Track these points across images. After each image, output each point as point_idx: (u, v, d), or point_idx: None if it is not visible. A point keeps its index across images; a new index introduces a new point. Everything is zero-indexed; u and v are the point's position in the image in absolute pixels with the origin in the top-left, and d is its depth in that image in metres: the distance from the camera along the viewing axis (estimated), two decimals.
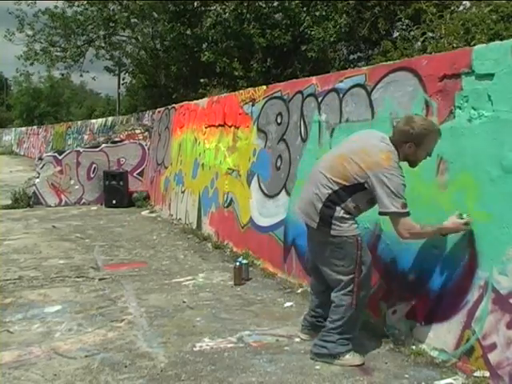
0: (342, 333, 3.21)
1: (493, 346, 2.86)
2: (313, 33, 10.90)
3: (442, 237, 3.21)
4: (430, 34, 7.75)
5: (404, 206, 3.03)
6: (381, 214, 3.11)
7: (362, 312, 3.34)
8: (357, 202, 3.15)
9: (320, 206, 3.17)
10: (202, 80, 12.33)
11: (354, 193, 3.13)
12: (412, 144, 3.10)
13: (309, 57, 11.62)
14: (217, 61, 12.11)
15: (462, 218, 3.09)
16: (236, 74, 11.83)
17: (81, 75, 17.78)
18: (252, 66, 12.18)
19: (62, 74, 18.39)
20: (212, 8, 13.36)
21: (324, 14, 11.43)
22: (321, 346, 3.25)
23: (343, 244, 3.15)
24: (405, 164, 3.18)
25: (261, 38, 11.81)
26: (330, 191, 3.15)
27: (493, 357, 2.86)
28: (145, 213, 9.41)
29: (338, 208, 3.13)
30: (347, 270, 3.16)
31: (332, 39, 10.99)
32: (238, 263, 4.97)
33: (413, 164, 3.23)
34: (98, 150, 10.94)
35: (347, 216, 3.15)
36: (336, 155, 3.29)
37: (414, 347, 3.35)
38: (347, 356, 3.20)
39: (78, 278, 5.13)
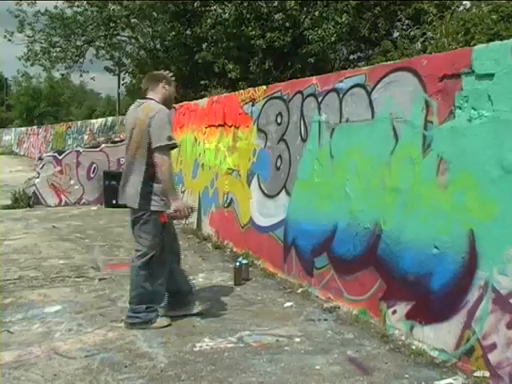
0: (147, 301, 3.76)
1: (493, 346, 2.87)
2: (311, 36, 10.89)
3: (441, 238, 3.21)
4: (430, 34, 7.75)
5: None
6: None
7: (163, 285, 3.84)
8: None
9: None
10: (202, 82, 12.32)
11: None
12: (166, 85, 3.91)
13: (309, 58, 11.61)
14: (215, 61, 12.10)
15: (189, 208, 3.86)
16: (233, 75, 11.81)
17: (81, 75, 17.81)
18: (251, 68, 12.16)
19: (62, 75, 18.41)
20: (212, 8, 13.36)
21: (324, 14, 11.42)
22: (134, 316, 3.78)
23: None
24: (403, 163, 3.19)
25: (260, 40, 11.80)
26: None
27: (493, 357, 2.86)
28: None
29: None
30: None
31: (332, 39, 10.97)
32: (237, 263, 4.97)
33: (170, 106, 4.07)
34: (98, 150, 10.94)
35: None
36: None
37: (413, 347, 3.35)
38: (158, 320, 3.78)
39: (77, 277, 5.13)
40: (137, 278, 3.78)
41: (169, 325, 3.80)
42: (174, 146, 3.79)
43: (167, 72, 4.09)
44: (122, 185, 3.88)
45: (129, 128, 3.86)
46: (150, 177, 3.68)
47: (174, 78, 4.06)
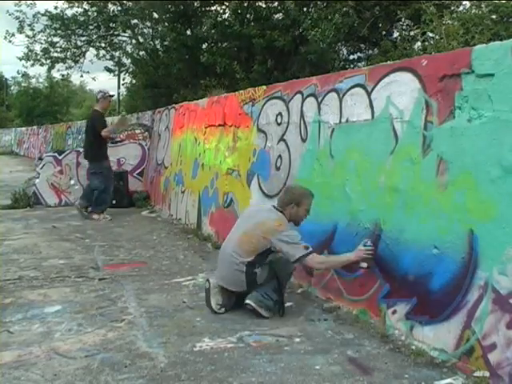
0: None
1: (493, 346, 2.86)
2: (312, 34, 10.88)
3: (441, 238, 3.22)
4: (430, 34, 7.76)
5: (306, 247, 3.88)
6: (293, 262, 3.94)
7: None
8: (268, 259, 4.02)
9: (244, 277, 3.97)
10: (202, 81, 12.32)
11: (267, 255, 3.99)
12: (294, 205, 4.08)
13: (308, 60, 11.61)
14: (216, 62, 12.10)
15: (365, 246, 3.74)
16: (238, 76, 11.82)
17: (81, 75, 17.86)
18: (253, 68, 12.16)
19: (63, 75, 18.43)
20: (212, 8, 13.37)
21: (323, 15, 11.41)
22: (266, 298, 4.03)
23: None
24: (403, 163, 3.20)
25: (260, 39, 11.80)
26: (246, 264, 3.95)
27: (493, 357, 2.86)
28: (145, 213, 9.41)
29: (257, 271, 3.97)
30: None
31: (329, 40, 10.96)
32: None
33: (297, 223, 4.16)
34: None
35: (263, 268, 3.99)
36: (241, 234, 4.07)
37: (413, 347, 3.35)
38: None
39: (77, 278, 5.13)
40: None
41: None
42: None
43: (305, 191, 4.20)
44: None
45: (249, 222, 4.19)
46: None
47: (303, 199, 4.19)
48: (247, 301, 3.97)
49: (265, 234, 3.94)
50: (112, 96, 9.35)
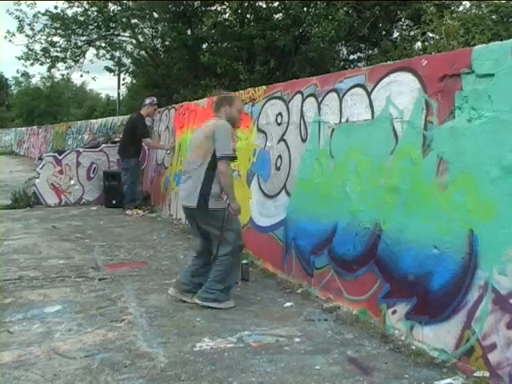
0: (223, 281, 4.22)
1: (493, 346, 2.87)
2: (313, 31, 10.86)
3: (441, 238, 3.22)
4: (430, 34, 7.76)
5: (234, 150, 4.24)
6: (219, 158, 4.12)
7: (237, 266, 4.44)
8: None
9: (199, 187, 4.16)
10: (202, 82, 12.31)
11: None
12: (227, 105, 4.34)
13: (309, 57, 11.59)
14: (216, 62, 12.10)
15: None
16: (241, 77, 11.81)
17: (81, 75, 17.89)
18: (254, 68, 12.15)
19: (63, 75, 18.45)
20: (213, 8, 13.37)
21: (324, 13, 11.41)
22: (210, 292, 4.20)
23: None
24: (403, 163, 3.18)
25: (261, 40, 11.79)
26: (204, 169, 4.18)
27: (493, 357, 2.86)
28: (145, 213, 9.41)
29: (213, 185, 4.17)
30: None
31: (330, 37, 10.93)
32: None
33: (234, 124, 4.40)
34: (97, 150, 10.92)
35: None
36: (194, 148, 4.34)
37: (413, 347, 3.35)
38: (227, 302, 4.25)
39: (78, 278, 5.13)
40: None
41: (233, 306, 4.27)
42: (234, 158, 4.32)
43: (231, 93, 4.64)
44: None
45: (193, 142, 4.44)
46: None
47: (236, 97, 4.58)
48: (196, 300, 4.25)
49: (207, 135, 4.19)
50: (158, 105, 9.98)
